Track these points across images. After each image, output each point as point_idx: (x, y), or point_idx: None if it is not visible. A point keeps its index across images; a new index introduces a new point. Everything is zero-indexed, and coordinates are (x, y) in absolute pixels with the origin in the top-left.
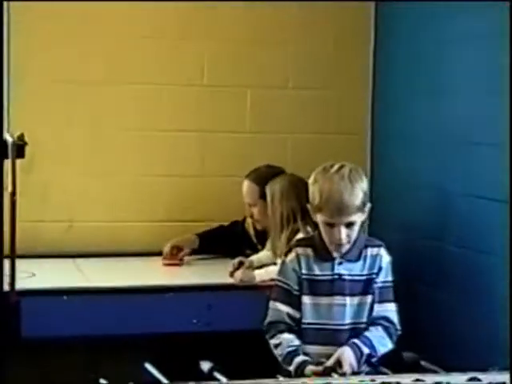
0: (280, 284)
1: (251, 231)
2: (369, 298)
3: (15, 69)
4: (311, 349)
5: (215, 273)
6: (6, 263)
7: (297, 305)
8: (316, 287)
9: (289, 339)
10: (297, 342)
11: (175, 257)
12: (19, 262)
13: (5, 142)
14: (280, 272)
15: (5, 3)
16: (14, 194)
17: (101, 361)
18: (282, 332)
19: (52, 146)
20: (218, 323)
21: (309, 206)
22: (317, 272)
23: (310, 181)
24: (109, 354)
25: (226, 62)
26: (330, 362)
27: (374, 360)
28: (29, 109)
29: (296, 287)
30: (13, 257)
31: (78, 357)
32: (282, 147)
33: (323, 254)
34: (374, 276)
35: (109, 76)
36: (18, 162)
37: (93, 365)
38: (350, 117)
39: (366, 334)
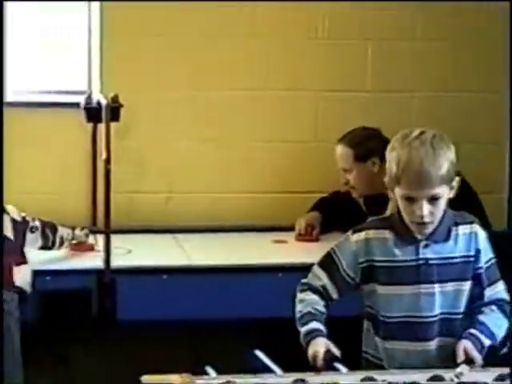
0: (332, 254)
1: (360, 200)
2: (467, 285)
3: (109, 26)
4: (395, 345)
5: None
6: (100, 239)
7: (339, 285)
8: (397, 275)
9: (316, 302)
10: (323, 309)
11: (309, 235)
12: (114, 238)
13: (99, 105)
14: (339, 245)
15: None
16: (108, 161)
17: (203, 347)
18: (314, 292)
19: (149, 108)
20: (335, 308)
21: (386, 179)
22: (397, 258)
23: (388, 149)
24: (212, 339)
25: (345, 12)
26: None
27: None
28: (123, 69)
29: (349, 272)
30: (107, 232)
31: (178, 342)
32: (407, 108)
33: (404, 236)
34: (471, 259)
35: (211, 30)
36: (113, 125)
37: (194, 351)
38: (488, 73)
39: (481, 318)
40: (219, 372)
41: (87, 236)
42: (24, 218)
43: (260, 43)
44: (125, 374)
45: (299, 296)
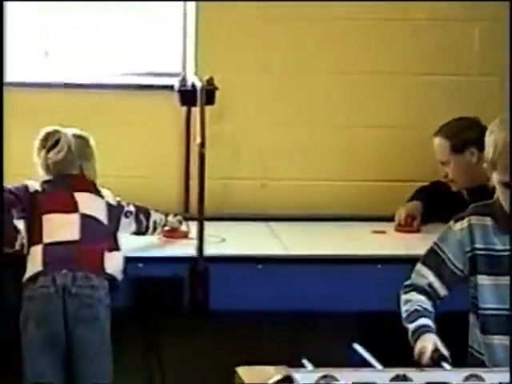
0: (436, 249)
1: (464, 191)
2: None
3: (205, 7)
4: (494, 340)
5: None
6: (194, 226)
7: (447, 280)
8: (496, 264)
9: (423, 301)
10: (430, 308)
11: (410, 225)
12: (207, 225)
13: (193, 87)
14: (442, 237)
15: None
16: (202, 145)
17: (299, 339)
18: (419, 293)
19: (245, 91)
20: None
21: (484, 164)
22: (497, 246)
23: (486, 133)
24: (309, 331)
25: None
26: None
27: None
28: (218, 50)
29: (457, 264)
30: (201, 219)
31: (272, 334)
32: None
33: (505, 223)
34: None
35: (310, 13)
36: (207, 109)
37: (290, 343)
38: None
39: None
40: (316, 365)
41: (180, 223)
42: (119, 202)
43: (352, 26)
44: (217, 364)
45: (404, 297)
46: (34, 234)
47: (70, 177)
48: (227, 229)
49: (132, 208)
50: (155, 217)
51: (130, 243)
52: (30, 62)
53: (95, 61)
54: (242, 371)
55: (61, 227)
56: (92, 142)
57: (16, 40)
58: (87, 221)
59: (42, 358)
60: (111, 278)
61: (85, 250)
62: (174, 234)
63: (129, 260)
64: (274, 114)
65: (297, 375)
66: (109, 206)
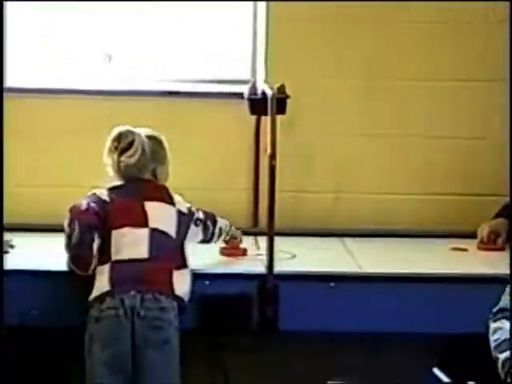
0: None
1: None
2: None
3: (276, 10)
4: None
5: None
6: (263, 241)
7: None
8: None
9: None
10: None
11: (493, 243)
12: (277, 240)
13: (263, 95)
14: None
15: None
16: (273, 157)
17: (373, 362)
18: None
19: (318, 99)
20: None
21: None
22: None
23: None
24: (383, 354)
25: None
26: None
27: None
28: (290, 56)
29: None
30: (271, 234)
31: (345, 356)
32: None
33: None
34: None
35: (382, 16)
36: (278, 118)
37: (364, 366)
38: None
39: None
40: None
41: (240, 238)
42: (190, 209)
43: (429, 31)
44: None
45: (493, 325)
46: (103, 251)
47: (140, 183)
48: (298, 244)
49: (201, 215)
50: (221, 223)
51: (196, 260)
52: (92, 67)
53: (161, 67)
54: None
55: (129, 244)
56: (165, 143)
57: (77, 44)
58: (156, 236)
59: (107, 380)
60: (179, 300)
61: (153, 270)
62: (233, 251)
63: (195, 277)
64: (348, 124)
65: None
66: (179, 214)
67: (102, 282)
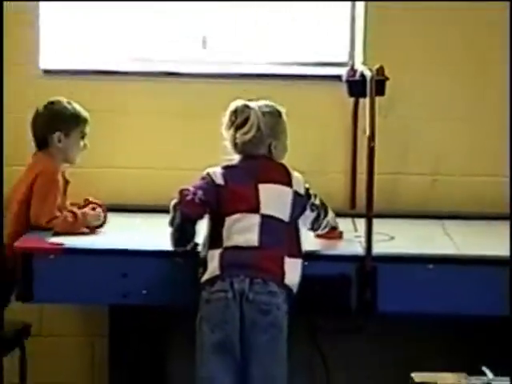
0: None
1: None
2: None
3: None
4: None
5: None
6: (361, 224)
7: None
8: None
9: None
10: None
11: None
12: (376, 223)
13: (362, 77)
14: None
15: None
16: (372, 138)
17: (473, 345)
18: None
19: (416, 83)
20: None
21: None
22: None
23: None
24: (487, 338)
25: None
26: None
27: None
28: (388, 39)
29: None
30: (369, 216)
31: (444, 338)
32: None
33: None
34: None
35: None
36: (376, 100)
37: (464, 349)
38: None
39: None
40: (496, 374)
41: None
42: (307, 190)
43: None
44: (384, 367)
45: None
46: (215, 236)
47: (256, 162)
48: (396, 227)
49: (318, 202)
50: (330, 216)
51: None
52: (187, 50)
53: (259, 49)
54: (419, 378)
55: (240, 231)
56: (284, 116)
57: (173, 27)
58: (268, 222)
59: (215, 361)
60: (288, 289)
61: (263, 257)
62: (330, 234)
63: None
64: (445, 107)
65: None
66: (296, 195)
67: (213, 266)
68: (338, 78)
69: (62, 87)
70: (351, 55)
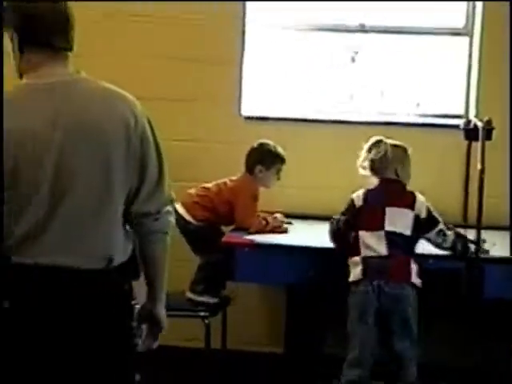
0: None
1: None
2: None
3: (489, 49)
4: None
5: None
6: (471, 233)
7: None
8: None
9: None
10: None
11: None
12: (483, 233)
13: (475, 127)
14: None
15: None
16: (483, 171)
17: None
18: None
19: None
20: None
21: None
22: None
23: None
24: None
25: None
26: None
27: None
28: (494, 94)
29: None
30: (479, 227)
31: None
32: None
33: None
34: None
35: None
36: (486, 144)
37: None
38: None
39: None
40: None
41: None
42: (431, 215)
43: None
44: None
45: None
46: (356, 245)
47: (387, 185)
48: (499, 236)
49: (442, 227)
50: (451, 237)
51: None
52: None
53: (397, 102)
54: None
55: (372, 243)
56: (409, 151)
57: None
58: (392, 237)
59: (362, 334)
60: (415, 287)
61: (393, 264)
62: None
63: (420, 257)
64: None
65: None
66: (416, 218)
67: (356, 271)
68: (456, 126)
69: (258, 131)
70: (466, 106)
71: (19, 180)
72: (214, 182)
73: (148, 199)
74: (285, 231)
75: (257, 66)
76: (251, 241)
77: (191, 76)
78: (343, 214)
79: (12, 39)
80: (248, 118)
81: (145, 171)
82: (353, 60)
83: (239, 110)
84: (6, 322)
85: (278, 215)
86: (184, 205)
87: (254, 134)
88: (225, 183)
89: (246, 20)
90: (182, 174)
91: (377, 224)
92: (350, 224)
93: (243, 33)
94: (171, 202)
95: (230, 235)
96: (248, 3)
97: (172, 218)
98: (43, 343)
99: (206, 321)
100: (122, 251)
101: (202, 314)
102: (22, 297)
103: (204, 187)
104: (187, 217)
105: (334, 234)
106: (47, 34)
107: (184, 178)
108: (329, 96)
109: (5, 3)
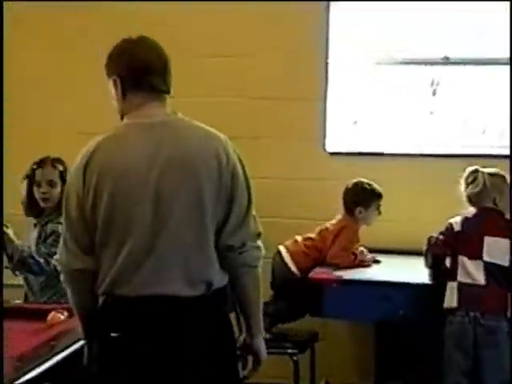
0: None
1: None
2: None
3: None
4: None
5: None
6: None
7: None
8: None
9: None
10: None
11: None
12: None
13: None
14: None
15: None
16: None
17: None
18: None
19: None
20: None
21: None
22: None
23: None
24: None
25: None
26: None
27: None
28: None
29: None
30: None
31: None
32: None
33: None
34: None
35: None
36: None
37: None
38: None
39: None
40: None
41: None
42: None
43: None
44: None
45: None
46: (452, 269)
47: (485, 215)
48: None
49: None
50: None
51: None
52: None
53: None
54: None
55: (470, 271)
56: (507, 179)
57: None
58: (490, 267)
59: (458, 362)
60: (509, 321)
61: (490, 294)
62: None
63: None
64: None
65: None
66: None
67: (452, 298)
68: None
69: (341, 166)
70: None
71: (115, 217)
72: (317, 230)
73: (234, 232)
74: (369, 265)
75: (340, 101)
76: (338, 277)
77: (276, 113)
78: (441, 233)
79: (115, 85)
80: (333, 153)
81: (232, 205)
82: (434, 93)
83: (323, 145)
84: (115, 353)
85: (364, 250)
86: (290, 253)
87: (338, 170)
88: (326, 228)
89: (329, 54)
90: (265, 211)
91: (475, 252)
92: (447, 244)
93: (326, 67)
94: (258, 236)
95: (317, 271)
96: (331, 37)
97: (260, 253)
98: (153, 372)
99: (295, 358)
100: (219, 277)
101: (290, 350)
102: (128, 328)
103: (308, 237)
104: (292, 267)
105: (431, 250)
106: (149, 79)
107: (268, 214)
108: (410, 129)
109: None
